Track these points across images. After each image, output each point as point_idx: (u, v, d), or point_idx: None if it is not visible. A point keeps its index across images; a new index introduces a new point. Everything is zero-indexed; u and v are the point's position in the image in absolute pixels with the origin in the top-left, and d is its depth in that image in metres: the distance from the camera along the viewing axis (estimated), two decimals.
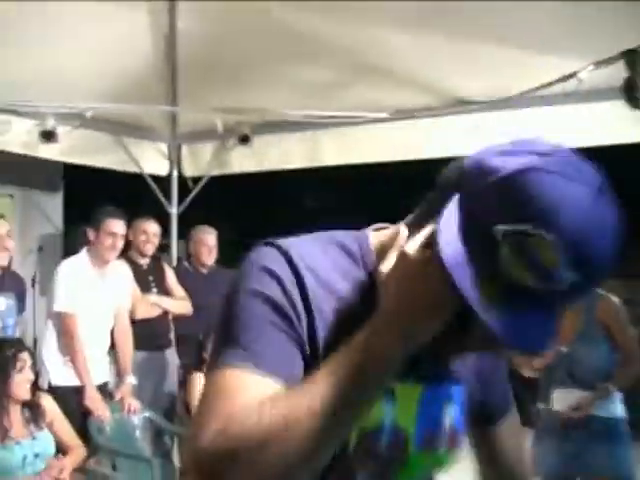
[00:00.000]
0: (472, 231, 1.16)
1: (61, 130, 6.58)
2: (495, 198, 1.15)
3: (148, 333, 5.82)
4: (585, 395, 4.08)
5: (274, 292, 1.28)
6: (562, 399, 4.09)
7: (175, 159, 7.90)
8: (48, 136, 6.47)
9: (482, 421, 1.64)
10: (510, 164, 1.17)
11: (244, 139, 7.23)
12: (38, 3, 4.86)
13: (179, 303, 6.15)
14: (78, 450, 4.54)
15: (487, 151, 1.25)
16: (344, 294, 1.34)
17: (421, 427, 1.43)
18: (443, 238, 1.15)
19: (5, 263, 5.27)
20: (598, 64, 5.08)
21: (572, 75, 5.27)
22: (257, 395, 1.18)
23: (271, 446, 1.13)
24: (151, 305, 5.96)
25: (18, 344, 4.59)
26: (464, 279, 1.13)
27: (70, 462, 4.40)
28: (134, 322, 5.70)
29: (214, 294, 6.29)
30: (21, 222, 9.28)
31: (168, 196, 7.86)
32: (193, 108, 6.95)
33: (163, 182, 7.93)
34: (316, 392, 1.16)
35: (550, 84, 5.54)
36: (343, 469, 1.35)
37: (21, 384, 4.35)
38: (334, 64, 5.92)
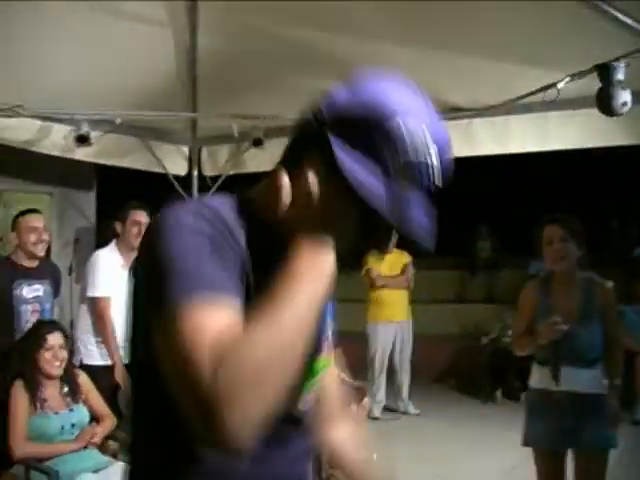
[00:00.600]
0: (364, 157, 1.29)
1: (94, 135, 6.67)
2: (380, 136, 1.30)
3: None
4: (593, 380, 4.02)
5: (205, 227, 1.27)
6: (568, 378, 4.01)
7: (195, 160, 7.94)
8: (82, 140, 6.56)
9: None
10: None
11: (257, 142, 7.29)
12: (75, 26, 4.97)
13: None
14: (109, 420, 4.64)
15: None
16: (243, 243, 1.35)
17: (320, 335, 1.51)
18: (347, 166, 1.27)
19: (43, 253, 5.36)
20: (573, 76, 5.15)
21: (551, 86, 5.33)
22: (230, 321, 1.17)
23: (273, 369, 1.12)
24: None
25: (50, 326, 4.68)
26: (375, 196, 1.25)
27: (102, 430, 4.51)
28: None
29: None
30: (59, 217, 9.42)
31: (189, 193, 7.94)
32: (211, 114, 7.00)
33: (184, 181, 8.01)
34: (291, 314, 1.18)
35: (532, 93, 5.61)
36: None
37: (50, 361, 4.45)
38: (338, 74, 5.98)
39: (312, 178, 1.32)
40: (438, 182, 1.32)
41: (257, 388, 1.10)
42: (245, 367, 1.10)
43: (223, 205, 1.39)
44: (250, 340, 1.13)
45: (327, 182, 1.30)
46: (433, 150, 1.31)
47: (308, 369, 1.46)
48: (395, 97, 1.37)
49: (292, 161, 1.38)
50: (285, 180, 1.35)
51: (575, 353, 3.99)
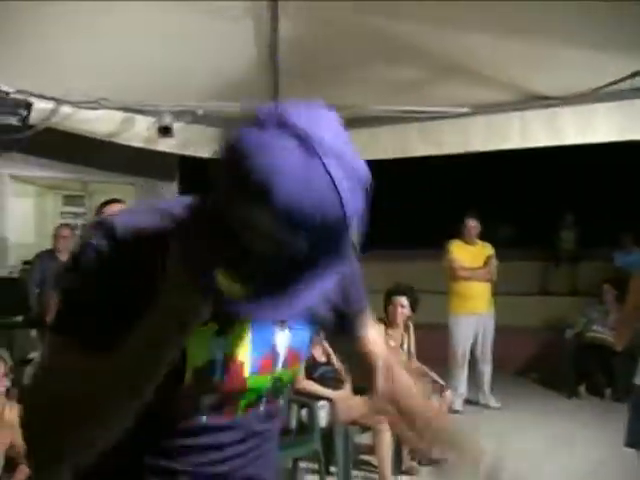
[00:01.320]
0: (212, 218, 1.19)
1: (177, 126, 6.77)
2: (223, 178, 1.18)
3: None
4: None
5: (91, 264, 1.30)
6: None
7: None
8: (165, 131, 6.66)
9: (344, 330, 1.67)
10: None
11: None
12: (157, 20, 5.05)
13: None
14: None
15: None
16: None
17: (255, 354, 1.48)
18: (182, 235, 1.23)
19: None
20: None
21: (638, 73, 5.23)
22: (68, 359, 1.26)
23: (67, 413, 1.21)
24: None
25: None
26: (201, 275, 1.16)
27: None
28: None
29: None
30: None
31: None
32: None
33: None
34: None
35: (618, 81, 5.50)
36: (184, 406, 1.42)
37: None
38: (420, 64, 5.96)
39: None
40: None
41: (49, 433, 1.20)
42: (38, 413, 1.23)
43: (161, 217, 1.37)
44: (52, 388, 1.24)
45: None
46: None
47: (241, 389, 1.49)
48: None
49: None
50: None
51: None
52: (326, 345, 5.80)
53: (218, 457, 1.50)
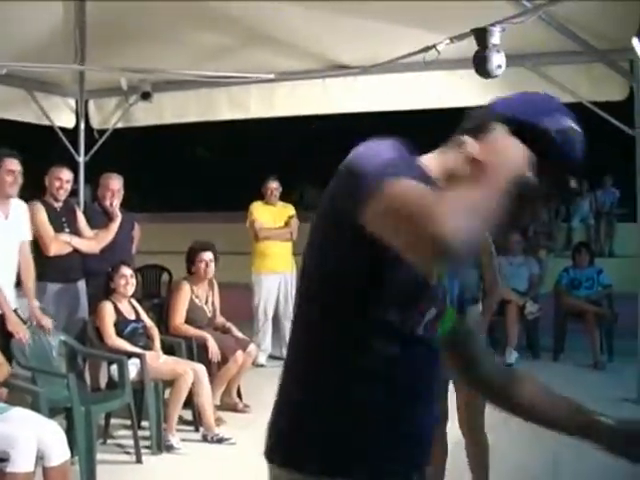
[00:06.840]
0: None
1: None
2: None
3: (62, 268, 5.88)
4: None
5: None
6: None
7: (82, 113, 7.96)
8: None
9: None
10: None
11: (145, 95, 7.36)
12: None
13: (88, 242, 6.21)
14: (3, 368, 4.69)
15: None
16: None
17: (452, 288, 1.81)
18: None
19: None
20: (453, 38, 5.43)
21: (431, 47, 5.60)
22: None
23: (477, 210, 1.43)
24: (63, 243, 6.03)
25: None
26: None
27: None
28: (49, 258, 5.77)
29: (118, 233, 6.42)
30: None
31: (76, 146, 7.95)
32: (99, 67, 6.97)
33: (71, 134, 8.02)
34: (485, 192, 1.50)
35: (413, 54, 5.87)
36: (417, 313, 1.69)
37: None
38: (227, 31, 6.12)
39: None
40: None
41: (467, 216, 1.41)
42: (459, 203, 1.42)
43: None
44: (463, 194, 1.47)
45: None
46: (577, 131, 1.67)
47: (443, 313, 1.77)
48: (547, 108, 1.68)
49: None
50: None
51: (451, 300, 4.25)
52: (134, 302, 5.90)
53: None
